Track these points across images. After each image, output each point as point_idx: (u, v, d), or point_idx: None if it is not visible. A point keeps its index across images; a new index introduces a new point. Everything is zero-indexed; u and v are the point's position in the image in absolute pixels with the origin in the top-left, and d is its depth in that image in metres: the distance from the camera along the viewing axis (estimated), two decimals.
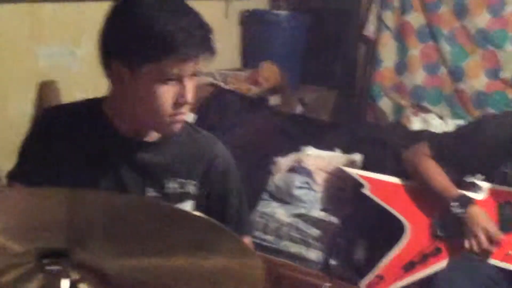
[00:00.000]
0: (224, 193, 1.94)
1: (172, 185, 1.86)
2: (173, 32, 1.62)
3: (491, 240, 2.62)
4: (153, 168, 1.84)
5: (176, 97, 1.68)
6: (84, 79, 3.76)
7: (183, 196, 1.88)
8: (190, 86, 1.70)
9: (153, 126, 1.78)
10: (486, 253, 2.64)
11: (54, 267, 1.11)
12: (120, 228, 1.11)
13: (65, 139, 1.78)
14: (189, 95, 1.69)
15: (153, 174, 1.84)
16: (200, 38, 1.66)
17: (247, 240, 2.01)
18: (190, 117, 3.26)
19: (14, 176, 1.81)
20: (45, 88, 3.78)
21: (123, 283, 1.17)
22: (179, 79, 1.67)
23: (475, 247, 2.64)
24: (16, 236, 1.09)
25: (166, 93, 1.67)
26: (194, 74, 1.71)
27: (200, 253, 1.14)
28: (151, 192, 1.83)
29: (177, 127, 1.76)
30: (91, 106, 1.83)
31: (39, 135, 1.83)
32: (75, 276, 1.12)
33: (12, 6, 3.63)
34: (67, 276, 1.11)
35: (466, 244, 2.65)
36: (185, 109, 1.72)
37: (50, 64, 3.84)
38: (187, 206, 1.88)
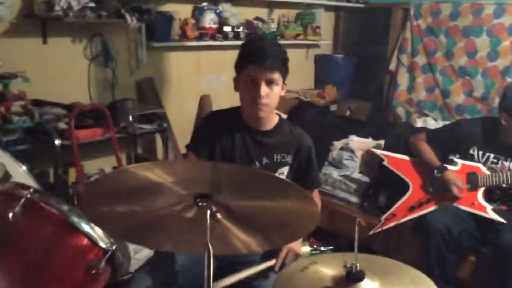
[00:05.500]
0: (307, 162, 1.90)
1: (278, 156, 1.85)
2: (255, 50, 1.67)
3: (460, 190, 2.56)
4: (267, 146, 1.83)
5: (254, 90, 1.67)
6: (225, 94, 3.82)
7: (284, 164, 1.86)
8: (264, 88, 1.66)
9: (246, 111, 1.77)
10: (457, 199, 2.57)
11: (202, 203, 1.13)
12: (239, 183, 1.12)
13: (219, 130, 1.80)
14: (262, 92, 1.66)
15: (267, 150, 1.83)
16: (272, 56, 1.65)
17: (317, 191, 1.98)
18: (283, 116, 3.29)
19: (189, 148, 1.85)
20: (204, 100, 3.90)
21: (239, 213, 1.18)
22: (257, 82, 1.66)
23: (451, 197, 2.59)
24: (183, 185, 1.11)
25: (250, 90, 1.68)
26: (273, 83, 1.67)
27: (279, 198, 1.15)
28: (265, 160, 1.82)
29: (261, 113, 1.72)
30: (234, 111, 1.84)
31: (204, 127, 1.86)
32: (214, 208, 1.14)
33: (186, 53, 3.78)
34: (209, 208, 1.13)
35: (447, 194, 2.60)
36: (262, 101, 1.68)
37: (206, 85, 3.97)
38: (286, 169, 1.86)
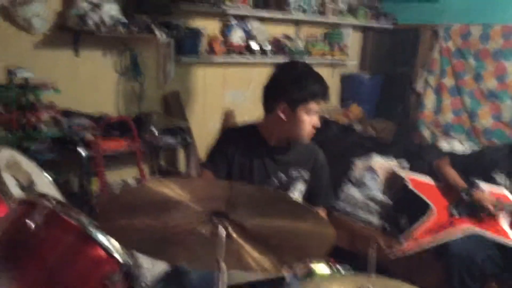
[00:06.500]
0: (320, 178, 1.93)
1: (294, 172, 1.87)
2: (317, 88, 1.74)
3: (493, 205, 2.48)
4: (284, 162, 1.85)
5: (313, 122, 1.76)
6: (249, 109, 3.87)
7: (300, 179, 1.88)
8: (318, 117, 1.78)
9: (297, 138, 1.81)
10: (493, 217, 2.48)
11: (217, 221, 1.14)
12: (255, 203, 1.12)
13: (237, 146, 1.81)
14: (319, 122, 1.78)
15: (284, 165, 1.85)
16: (326, 91, 1.77)
17: (324, 209, 1.97)
18: None
19: (205, 166, 1.85)
20: (227, 114, 3.93)
21: (253, 232, 1.17)
22: (314, 113, 1.76)
23: (487, 213, 2.49)
24: (199, 202, 1.12)
25: (309, 120, 1.76)
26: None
27: (294, 219, 1.15)
28: (282, 176, 1.84)
29: (310, 138, 1.82)
30: (251, 127, 1.87)
31: (221, 143, 1.86)
32: (229, 226, 1.15)
33: (213, 68, 3.82)
34: (224, 226, 1.14)
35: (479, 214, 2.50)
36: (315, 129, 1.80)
37: (231, 100, 4.00)
38: (303, 184, 1.88)
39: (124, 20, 3.04)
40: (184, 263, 1.39)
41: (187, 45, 3.44)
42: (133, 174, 3.17)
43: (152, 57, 3.36)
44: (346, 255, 2.58)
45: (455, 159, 2.79)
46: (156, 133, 3.08)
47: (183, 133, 3.29)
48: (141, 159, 2.92)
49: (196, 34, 3.51)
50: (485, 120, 4.06)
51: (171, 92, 3.56)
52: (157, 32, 3.17)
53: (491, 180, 2.60)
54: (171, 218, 1.18)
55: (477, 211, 2.51)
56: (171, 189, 1.11)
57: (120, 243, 1.35)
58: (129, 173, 3.25)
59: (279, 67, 1.83)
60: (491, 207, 2.46)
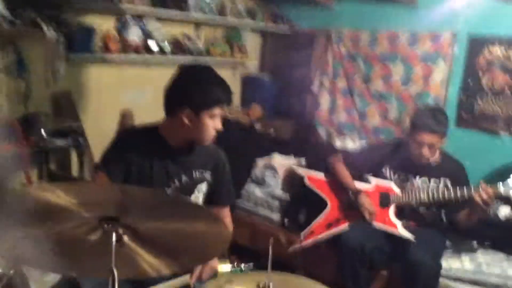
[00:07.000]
0: (222, 178, 1.94)
1: (197, 174, 1.86)
2: (221, 94, 1.73)
3: (371, 214, 2.67)
4: (186, 163, 1.83)
5: (215, 126, 1.75)
6: (148, 110, 3.73)
7: (203, 180, 1.88)
8: (221, 120, 1.77)
9: (199, 141, 1.79)
10: (370, 220, 2.68)
11: (108, 226, 1.11)
12: (148, 206, 1.10)
13: (135, 149, 1.75)
14: (221, 126, 1.78)
15: (186, 167, 1.83)
16: (230, 96, 1.77)
17: (227, 208, 2.01)
18: None
19: (99, 169, 1.77)
20: (124, 114, 3.79)
21: (148, 236, 1.15)
22: (217, 117, 1.73)
23: (364, 217, 2.68)
24: (88, 208, 1.08)
25: (213, 124, 1.74)
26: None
27: (188, 221, 1.14)
28: (184, 178, 1.82)
29: (212, 140, 1.82)
30: (151, 129, 1.82)
31: (117, 145, 1.80)
32: (120, 231, 1.12)
33: (109, 67, 3.66)
34: (115, 231, 1.11)
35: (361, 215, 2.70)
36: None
37: (128, 101, 3.85)
38: (204, 185, 1.88)
39: (7, 14, 2.79)
40: (75, 273, 1.31)
41: (79, 42, 3.24)
42: (20, 180, 2.92)
43: (40, 54, 3.12)
44: (248, 253, 2.62)
45: (347, 156, 2.95)
46: (45, 135, 2.87)
47: (76, 135, 3.11)
48: (27, 164, 2.71)
49: (88, 31, 3.33)
50: (374, 119, 4.33)
51: (61, 92, 3.34)
52: (44, 27, 2.95)
53: (379, 174, 2.78)
54: (57, 226, 1.12)
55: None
56: (55, 195, 1.04)
57: (0, 255, 1.24)
58: (15, 180, 2.98)
59: (182, 71, 1.79)
60: (367, 216, 2.67)
